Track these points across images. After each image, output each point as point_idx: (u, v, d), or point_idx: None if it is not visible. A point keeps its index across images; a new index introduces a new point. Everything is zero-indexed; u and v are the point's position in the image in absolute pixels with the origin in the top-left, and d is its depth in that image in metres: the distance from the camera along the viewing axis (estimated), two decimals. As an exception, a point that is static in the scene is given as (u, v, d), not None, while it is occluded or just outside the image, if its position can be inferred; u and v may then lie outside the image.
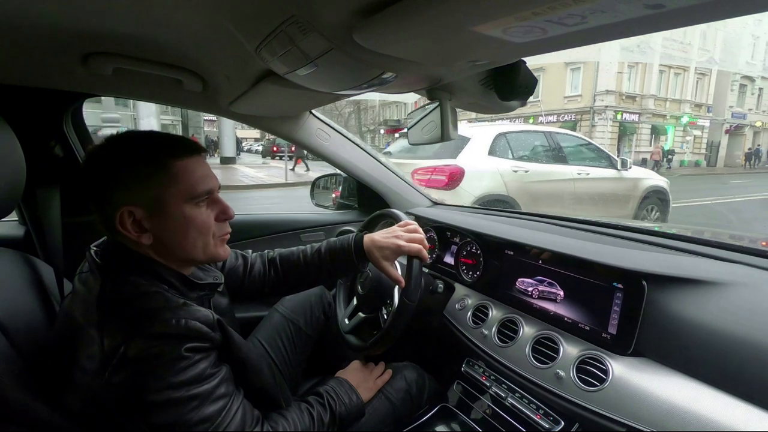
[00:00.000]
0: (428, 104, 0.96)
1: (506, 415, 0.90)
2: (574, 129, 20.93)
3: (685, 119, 23.36)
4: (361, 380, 0.97)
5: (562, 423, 0.80)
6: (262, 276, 1.03)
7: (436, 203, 1.68)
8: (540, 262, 0.97)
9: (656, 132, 23.02)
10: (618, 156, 4.85)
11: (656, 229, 1.08)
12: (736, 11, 0.40)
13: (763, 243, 0.99)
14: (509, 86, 0.86)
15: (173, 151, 0.67)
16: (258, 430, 0.68)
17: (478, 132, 4.09)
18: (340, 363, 1.06)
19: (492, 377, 0.98)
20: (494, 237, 1.12)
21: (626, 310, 0.79)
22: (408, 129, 1.07)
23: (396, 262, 1.11)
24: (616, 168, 4.64)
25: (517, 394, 0.90)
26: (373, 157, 1.59)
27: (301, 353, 1.16)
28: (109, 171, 0.65)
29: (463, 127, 4.20)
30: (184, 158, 0.68)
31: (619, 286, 0.80)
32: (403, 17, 0.47)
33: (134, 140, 0.68)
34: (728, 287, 0.74)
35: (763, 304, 0.70)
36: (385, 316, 1.08)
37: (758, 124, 26.28)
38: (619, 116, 20.94)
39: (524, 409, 0.87)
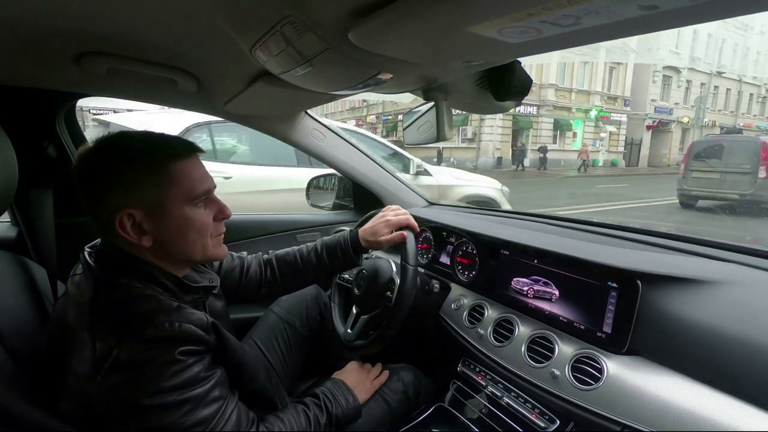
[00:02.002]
0: (423, 104, 0.96)
1: (502, 415, 0.90)
2: (465, 123, 19.00)
3: (593, 113, 20.62)
4: (358, 381, 0.97)
5: (558, 422, 0.80)
6: (258, 277, 1.03)
7: (431, 203, 1.68)
8: (535, 261, 0.97)
9: (560, 127, 20.16)
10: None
11: (651, 228, 1.09)
12: (730, 11, 0.40)
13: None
14: (504, 86, 0.86)
15: (172, 152, 0.67)
16: (254, 431, 0.68)
17: (138, 121, 2.89)
18: (337, 363, 1.06)
19: (488, 377, 0.98)
20: (490, 237, 1.12)
21: (621, 309, 0.79)
22: (404, 129, 1.07)
23: (391, 261, 1.11)
24: (410, 172, 3.72)
25: (512, 394, 0.90)
26: (369, 158, 1.59)
27: (297, 354, 1.16)
28: (106, 173, 0.64)
29: (124, 117, 3.21)
30: (182, 160, 0.68)
31: (614, 285, 0.81)
32: (398, 17, 0.47)
33: (130, 142, 0.68)
34: (722, 286, 0.75)
35: (757, 303, 0.70)
36: (390, 295, 1.08)
37: (685, 119, 23.17)
38: (511, 108, 19.05)
39: (520, 408, 0.87)
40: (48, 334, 0.71)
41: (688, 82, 24.05)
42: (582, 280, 0.87)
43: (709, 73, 23.67)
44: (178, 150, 0.68)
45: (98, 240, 0.73)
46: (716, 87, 24.84)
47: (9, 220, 1.30)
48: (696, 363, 0.67)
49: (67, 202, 1.06)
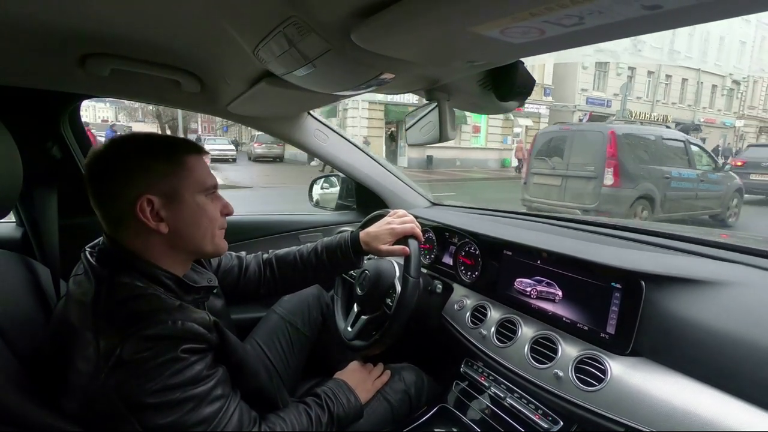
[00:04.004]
0: (426, 105, 0.96)
1: (505, 416, 0.90)
2: (334, 114, 15.40)
3: (497, 103, 17.27)
4: (360, 381, 0.97)
5: (561, 423, 0.80)
6: (257, 276, 1.04)
7: (434, 204, 1.68)
8: (538, 262, 0.97)
9: (454, 120, 16.50)
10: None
11: (654, 228, 1.08)
12: (734, 11, 0.40)
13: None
14: (507, 86, 0.86)
15: (185, 147, 0.72)
16: (255, 431, 0.68)
17: None
18: (338, 364, 1.06)
19: (491, 377, 0.98)
20: (492, 237, 1.12)
21: (624, 310, 0.79)
22: (406, 129, 1.07)
23: (394, 263, 1.11)
24: None
25: (515, 395, 0.90)
26: (372, 158, 1.59)
27: (299, 354, 1.16)
28: (126, 163, 0.67)
29: None
30: (194, 154, 0.73)
31: (618, 286, 0.80)
32: (401, 18, 0.47)
33: (146, 138, 0.71)
34: (726, 287, 0.74)
35: (762, 304, 0.70)
36: (390, 303, 1.08)
37: (627, 112, 17.89)
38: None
39: (523, 410, 0.86)
40: (50, 334, 0.71)
41: (631, 69, 19.63)
42: (585, 281, 0.86)
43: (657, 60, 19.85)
44: (190, 146, 0.74)
45: (99, 240, 0.73)
46: (668, 76, 20.90)
47: (14, 220, 1.31)
48: (700, 364, 0.67)
49: (71, 202, 1.07)
